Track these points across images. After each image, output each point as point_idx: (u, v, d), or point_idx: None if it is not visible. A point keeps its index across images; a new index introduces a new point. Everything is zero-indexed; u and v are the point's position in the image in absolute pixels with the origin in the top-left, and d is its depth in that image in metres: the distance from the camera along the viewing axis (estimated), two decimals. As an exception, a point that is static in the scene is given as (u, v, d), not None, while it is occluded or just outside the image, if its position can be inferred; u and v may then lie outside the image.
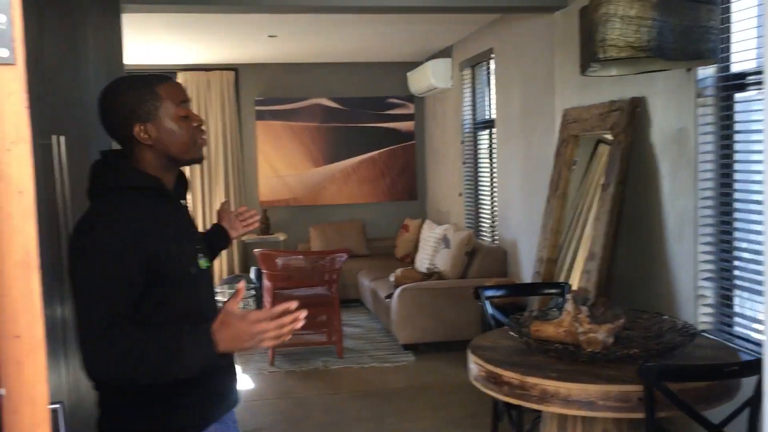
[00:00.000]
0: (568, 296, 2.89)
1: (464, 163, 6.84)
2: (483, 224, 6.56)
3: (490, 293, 3.32)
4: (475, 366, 2.58)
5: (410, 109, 8.16)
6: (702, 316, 3.28)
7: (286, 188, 7.98)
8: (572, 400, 2.27)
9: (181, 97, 1.67)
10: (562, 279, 4.34)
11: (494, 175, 6.18)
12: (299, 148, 7.98)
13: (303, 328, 5.38)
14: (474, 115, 6.73)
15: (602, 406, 2.24)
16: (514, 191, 5.57)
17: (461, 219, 6.93)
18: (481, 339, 2.84)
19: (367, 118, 8.07)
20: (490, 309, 3.27)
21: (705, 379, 2.15)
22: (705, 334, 3.01)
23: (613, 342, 2.58)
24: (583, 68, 2.72)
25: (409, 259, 7.36)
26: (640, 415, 2.22)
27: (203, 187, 7.76)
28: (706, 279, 3.28)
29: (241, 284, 1.58)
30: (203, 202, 7.78)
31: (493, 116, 6.12)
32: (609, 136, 3.97)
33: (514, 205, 5.59)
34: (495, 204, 6.16)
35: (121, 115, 1.62)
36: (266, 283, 5.33)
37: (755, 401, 2.13)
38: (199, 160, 1.72)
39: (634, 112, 3.69)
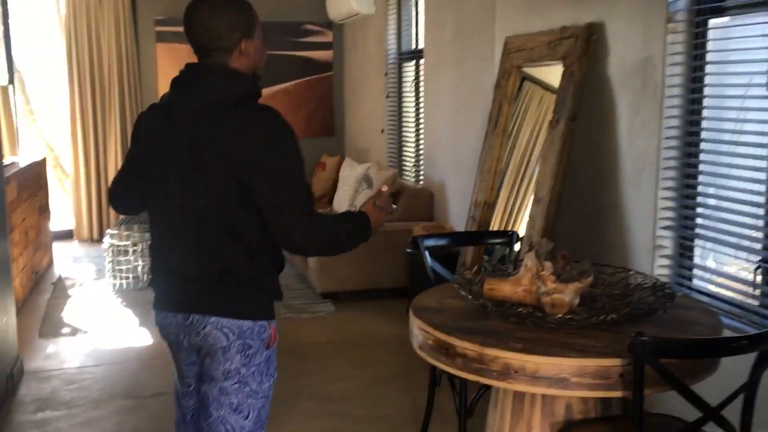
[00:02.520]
0: (526, 248, 2.50)
1: (387, 96, 6.34)
2: (406, 163, 6.12)
3: (429, 243, 2.89)
4: (420, 333, 2.16)
5: (328, 37, 7.52)
6: (659, 269, 2.98)
7: (190, 120, 7.24)
8: (540, 376, 1.88)
9: (259, 20, 1.89)
10: (499, 225, 3.98)
11: (420, 110, 5.72)
12: (205, 76, 7.22)
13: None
14: (399, 44, 6.20)
15: (576, 383, 1.86)
16: (443, 128, 5.14)
17: (383, 157, 6.46)
18: (425, 298, 2.41)
19: (281, 45, 7.38)
20: (429, 261, 2.85)
21: (711, 355, 1.81)
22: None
23: (579, 303, 2.22)
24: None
25: (326, 199, 6.87)
26: (618, 394, 1.87)
27: (95, 119, 6.93)
28: (666, 228, 2.97)
29: (385, 188, 2.02)
30: (96, 137, 6.94)
31: (421, 46, 5.62)
32: (536, 70, 3.57)
33: (443, 144, 5.17)
34: (421, 142, 5.72)
35: (234, 29, 1.80)
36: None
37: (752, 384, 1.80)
38: (260, 79, 1.91)
39: (589, 40, 3.28)
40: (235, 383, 1.85)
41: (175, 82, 1.88)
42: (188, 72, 1.85)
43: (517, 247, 3.00)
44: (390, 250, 4.94)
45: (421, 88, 5.66)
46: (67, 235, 7.13)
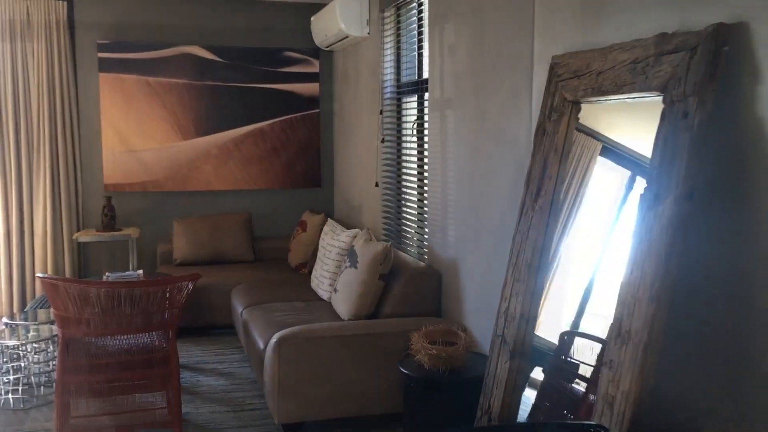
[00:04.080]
0: None
1: (382, 141, 4.93)
2: (407, 231, 4.67)
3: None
4: None
5: (315, 66, 6.16)
6: None
7: (141, 168, 5.86)
8: None
9: None
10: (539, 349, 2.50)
11: (424, 161, 4.29)
12: (161, 113, 5.86)
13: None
14: (398, 74, 4.81)
15: None
16: (458, 185, 3.70)
17: (378, 218, 5.03)
18: None
19: (256, 76, 6.02)
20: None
21: None
22: None
23: None
24: None
25: (305, 268, 5.43)
26: None
27: (20, 164, 5.55)
28: None
29: None
30: (19, 191, 5.55)
31: (426, 75, 4.22)
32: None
33: (456, 208, 3.72)
34: (425, 203, 4.27)
35: None
36: (56, 328, 3.28)
37: None
38: None
39: (720, 55, 1.85)
40: None
41: None
42: None
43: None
44: (378, 361, 3.47)
45: (425, 132, 4.24)
46: (-17, 311, 5.70)
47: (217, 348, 4.85)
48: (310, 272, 5.32)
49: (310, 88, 6.15)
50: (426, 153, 4.20)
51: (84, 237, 5.47)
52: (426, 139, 4.22)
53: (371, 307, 3.86)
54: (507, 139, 3.08)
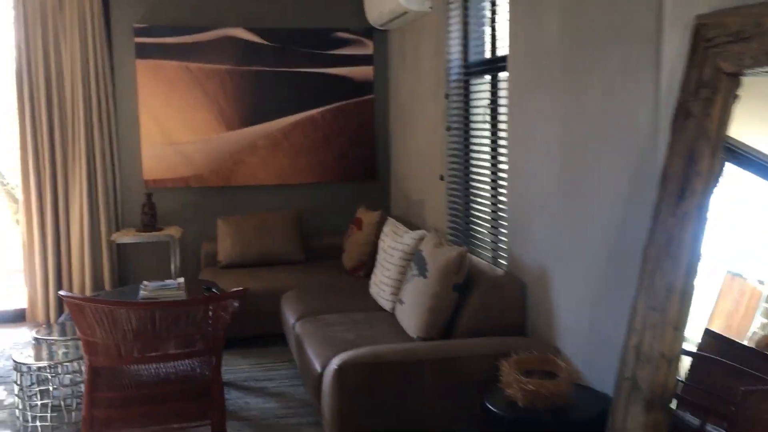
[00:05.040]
0: None
1: (449, 129, 4.37)
2: (478, 231, 4.10)
3: None
4: None
5: (368, 47, 5.62)
6: None
7: (183, 161, 5.41)
8: None
9: None
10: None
11: (500, 151, 3.72)
12: (203, 102, 5.40)
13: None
14: (466, 52, 4.24)
15: None
16: (547, 179, 3.12)
17: (442, 216, 4.48)
18: None
19: (305, 60, 5.52)
20: None
21: None
22: None
23: None
24: None
25: (362, 271, 4.92)
26: None
27: (54, 160, 5.15)
28: None
29: None
30: (54, 183, 5.16)
31: (503, 52, 3.64)
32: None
33: (545, 204, 3.15)
34: (501, 198, 3.70)
35: None
36: (84, 355, 2.82)
37: None
38: None
39: None
40: None
41: None
42: None
43: None
44: (456, 389, 2.94)
45: (501, 118, 3.67)
46: (18, 317, 5.35)
47: (266, 362, 4.38)
48: (367, 276, 4.81)
49: (363, 72, 5.62)
50: (503, 142, 3.63)
51: (123, 238, 5.06)
52: (503, 126, 3.65)
53: (443, 322, 3.32)
54: (619, 124, 2.49)
